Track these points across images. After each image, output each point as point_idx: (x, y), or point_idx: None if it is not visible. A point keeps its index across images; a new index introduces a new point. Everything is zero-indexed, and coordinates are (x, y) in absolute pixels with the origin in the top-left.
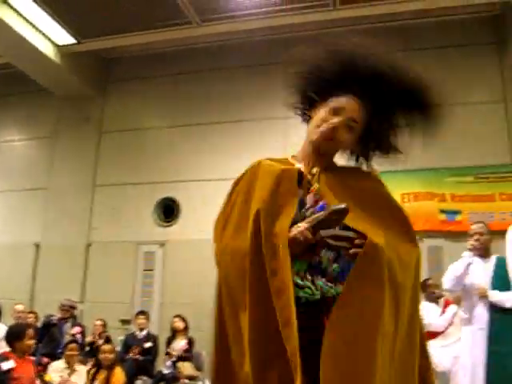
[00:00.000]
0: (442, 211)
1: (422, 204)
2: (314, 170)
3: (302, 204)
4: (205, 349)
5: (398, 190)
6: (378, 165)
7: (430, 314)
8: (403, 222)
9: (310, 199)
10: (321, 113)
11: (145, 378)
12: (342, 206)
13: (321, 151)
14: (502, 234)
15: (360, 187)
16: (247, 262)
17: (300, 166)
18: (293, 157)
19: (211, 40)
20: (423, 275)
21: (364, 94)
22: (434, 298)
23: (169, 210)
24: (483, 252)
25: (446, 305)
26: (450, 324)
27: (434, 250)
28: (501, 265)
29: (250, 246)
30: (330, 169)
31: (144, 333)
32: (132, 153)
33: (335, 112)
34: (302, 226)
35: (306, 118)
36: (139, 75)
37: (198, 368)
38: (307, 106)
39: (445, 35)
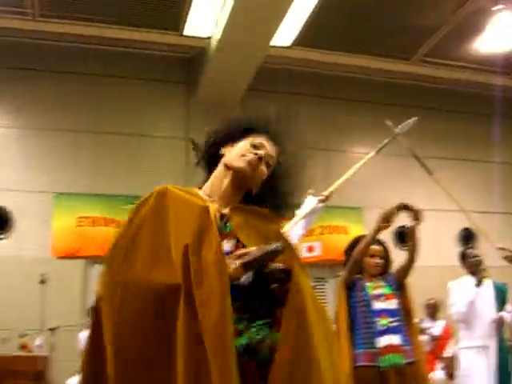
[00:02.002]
0: None
1: (98, 229)
2: (226, 211)
3: None
4: None
5: (75, 213)
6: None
7: None
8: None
9: (226, 244)
10: (241, 145)
11: None
12: (278, 246)
13: (240, 183)
14: None
15: (266, 228)
16: (178, 299)
17: (210, 203)
18: (199, 188)
19: None
20: (93, 301)
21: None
22: None
23: None
24: None
25: None
26: None
27: None
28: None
29: (183, 281)
30: (239, 209)
31: None
32: None
33: (256, 147)
34: (234, 263)
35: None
36: None
37: None
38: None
39: (142, 68)
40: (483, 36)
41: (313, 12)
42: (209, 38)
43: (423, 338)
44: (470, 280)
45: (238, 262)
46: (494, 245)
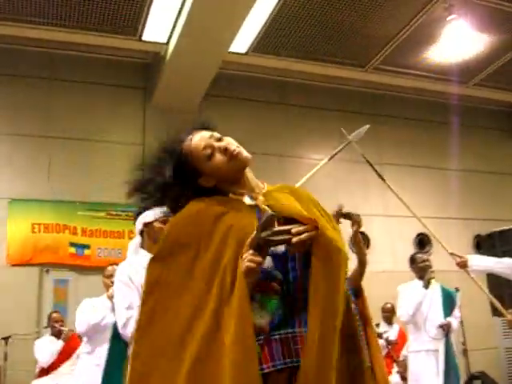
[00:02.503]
0: (72, 244)
1: (53, 236)
2: (261, 199)
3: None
4: None
5: (29, 219)
6: None
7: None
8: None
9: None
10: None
11: None
12: (267, 214)
13: (239, 172)
14: None
15: (298, 193)
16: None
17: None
18: (233, 194)
19: None
20: (47, 308)
21: None
22: (56, 332)
23: None
24: None
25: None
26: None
27: (61, 283)
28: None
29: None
30: (269, 192)
31: None
32: None
33: (210, 147)
34: (246, 254)
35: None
36: None
37: None
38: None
39: (99, 72)
40: (438, 45)
41: (269, 19)
42: (166, 43)
43: (379, 342)
44: (419, 284)
45: (248, 252)
46: (447, 250)
